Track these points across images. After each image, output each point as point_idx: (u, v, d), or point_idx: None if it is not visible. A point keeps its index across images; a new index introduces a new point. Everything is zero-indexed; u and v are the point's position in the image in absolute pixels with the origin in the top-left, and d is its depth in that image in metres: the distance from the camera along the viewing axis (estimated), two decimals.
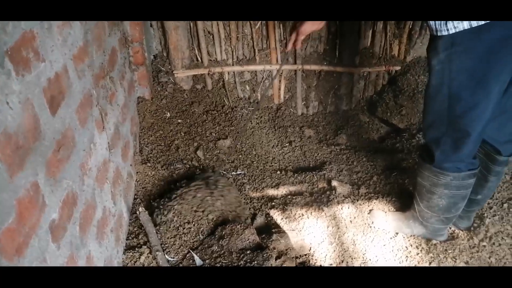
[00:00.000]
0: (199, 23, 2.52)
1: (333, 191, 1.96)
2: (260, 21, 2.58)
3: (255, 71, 2.72)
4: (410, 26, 2.63)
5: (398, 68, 2.70)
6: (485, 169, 1.60)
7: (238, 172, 2.15)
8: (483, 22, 1.20)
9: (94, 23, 1.60)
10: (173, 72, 2.59)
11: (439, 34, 1.30)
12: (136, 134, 2.18)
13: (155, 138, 2.26)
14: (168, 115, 2.43)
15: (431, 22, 1.31)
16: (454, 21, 1.24)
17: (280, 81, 2.76)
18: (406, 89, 2.57)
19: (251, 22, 2.57)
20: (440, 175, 1.55)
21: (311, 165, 2.28)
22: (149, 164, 2.03)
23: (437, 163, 1.53)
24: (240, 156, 2.29)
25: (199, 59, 2.66)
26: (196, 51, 2.64)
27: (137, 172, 2.00)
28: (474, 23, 1.21)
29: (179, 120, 2.41)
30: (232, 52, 2.66)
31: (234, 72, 2.70)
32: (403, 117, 2.49)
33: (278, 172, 2.17)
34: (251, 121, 2.58)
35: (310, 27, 1.76)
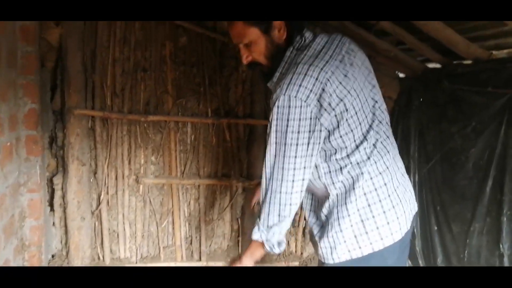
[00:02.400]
0: (105, 222, 2.55)
1: None
2: (167, 220, 2.69)
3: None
4: (304, 225, 2.93)
5: (296, 263, 2.89)
6: None
7: None
8: (361, 255, 1.41)
9: None
10: None
11: (325, 262, 1.48)
12: None
13: None
14: None
15: (320, 252, 1.48)
16: (338, 253, 1.41)
17: None
18: None
19: (157, 220, 2.67)
20: None
21: None
22: None
23: None
24: None
25: (100, 257, 2.60)
26: (99, 249, 2.60)
27: None
28: (354, 255, 1.41)
29: None
30: (137, 250, 2.66)
31: None
32: None
33: None
34: None
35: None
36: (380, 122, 1.46)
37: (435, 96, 2.48)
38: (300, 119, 1.28)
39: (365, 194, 1.38)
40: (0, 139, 1.72)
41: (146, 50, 2.51)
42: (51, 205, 2.48)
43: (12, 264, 1.91)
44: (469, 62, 2.30)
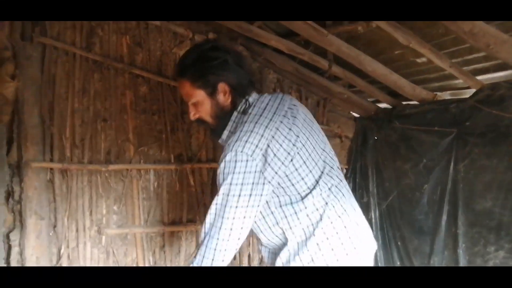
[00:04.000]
0: None
1: None
2: None
3: None
4: None
5: None
6: None
7: None
8: None
9: None
10: None
11: None
12: None
13: None
14: None
15: None
16: None
17: None
18: None
19: None
20: None
21: None
22: None
23: None
24: None
25: None
26: None
27: None
28: None
29: None
30: None
31: None
32: None
33: None
34: None
35: None
36: (332, 167, 1.54)
37: (388, 135, 2.61)
38: (245, 172, 1.35)
39: (327, 238, 1.42)
40: None
41: (106, 100, 2.52)
42: (8, 263, 2.37)
43: None
44: (416, 103, 2.45)
